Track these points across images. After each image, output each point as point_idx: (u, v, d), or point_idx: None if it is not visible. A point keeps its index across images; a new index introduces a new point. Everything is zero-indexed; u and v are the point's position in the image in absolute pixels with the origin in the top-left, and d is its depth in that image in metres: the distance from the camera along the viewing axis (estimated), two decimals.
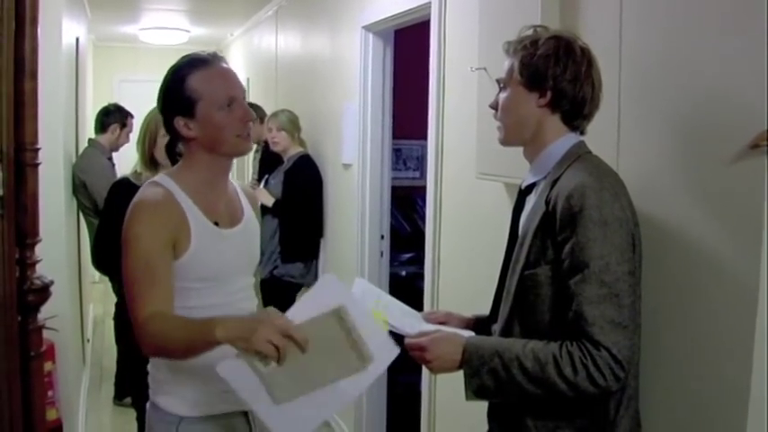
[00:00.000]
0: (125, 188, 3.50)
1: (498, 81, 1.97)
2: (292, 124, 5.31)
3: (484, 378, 1.78)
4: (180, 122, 2.07)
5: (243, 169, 8.33)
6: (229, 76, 2.14)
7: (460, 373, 1.84)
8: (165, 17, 8.15)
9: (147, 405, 2.20)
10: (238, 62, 8.95)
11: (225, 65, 2.16)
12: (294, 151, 5.32)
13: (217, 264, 2.12)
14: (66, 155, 4.56)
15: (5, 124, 1.63)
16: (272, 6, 6.80)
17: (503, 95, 1.94)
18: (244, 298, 2.23)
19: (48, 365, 4.03)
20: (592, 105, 1.87)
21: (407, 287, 5.12)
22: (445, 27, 3.41)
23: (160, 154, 3.41)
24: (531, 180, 1.94)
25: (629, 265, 1.70)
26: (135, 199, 2.04)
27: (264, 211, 5.28)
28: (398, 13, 3.93)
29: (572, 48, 1.85)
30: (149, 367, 2.19)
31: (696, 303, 1.88)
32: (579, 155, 1.85)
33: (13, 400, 1.66)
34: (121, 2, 7.29)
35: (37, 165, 1.75)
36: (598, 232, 1.67)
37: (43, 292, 1.76)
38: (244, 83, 8.30)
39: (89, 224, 5.23)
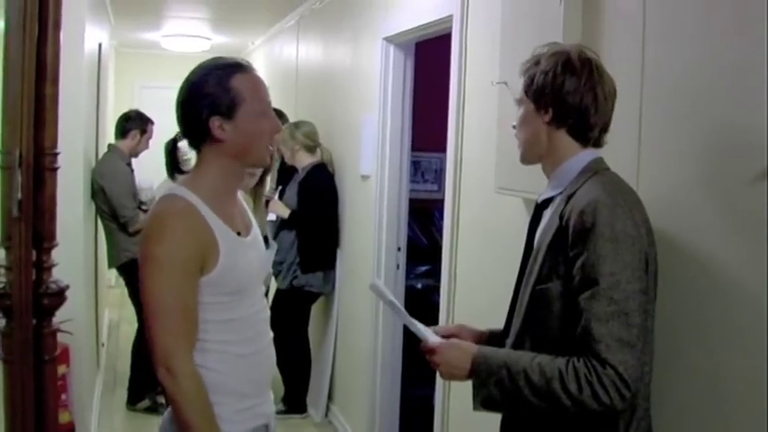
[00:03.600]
0: None
1: (516, 100, 1.99)
2: (293, 139, 5.30)
3: (491, 389, 1.78)
4: (216, 123, 2.00)
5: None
6: (265, 85, 2.15)
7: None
8: (188, 25, 8.20)
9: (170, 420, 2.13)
10: (259, 71, 8.97)
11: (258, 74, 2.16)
12: (308, 162, 5.33)
13: (245, 275, 2.10)
14: (85, 159, 4.58)
15: (25, 128, 1.63)
16: (293, 16, 6.82)
17: (518, 114, 1.97)
18: (262, 308, 2.23)
19: (62, 369, 4.05)
20: (597, 116, 1.85)
21: (423, 300, 5.11)
22: (466, 40, 3.41)
23: None
24: (547, 195, 1.94)
25: (641, 283, 1.68)
26: (155, 212, 1.99)
27: (281, 223, 5.30)
28: (420, 26, 3.93)
29: (570, 61, 1.85)
30: None
31: (716, 322, 1.86)
32: (596, 171, 1.84)
33: (26, 403, 1.66)
34: (144, 9, 7.33)
35: (56, 169, 1.76)
36: (609, 249, 1.66)
37: (59, 296, 1.76)
38: None
39: (107, 229, 5.26)
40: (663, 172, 2.07)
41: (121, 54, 9.84)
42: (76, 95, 4.19)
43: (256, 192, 3.46)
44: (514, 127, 2.00)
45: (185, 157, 2.20)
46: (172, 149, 2.23)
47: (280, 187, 5.63)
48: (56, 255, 1.92)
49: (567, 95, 1.83)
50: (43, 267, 1.73)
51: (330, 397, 5.44)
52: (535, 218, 1.99)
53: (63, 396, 4.08)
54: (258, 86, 2.09)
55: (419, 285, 5.31)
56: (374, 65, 4.60)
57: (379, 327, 4.60)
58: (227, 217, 2.09)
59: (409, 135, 4.56)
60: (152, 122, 5.55)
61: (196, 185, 2.04)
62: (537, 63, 1.90)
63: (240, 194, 3.28)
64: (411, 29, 4.05)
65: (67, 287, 1.81)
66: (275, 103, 6.71)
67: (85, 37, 4.30)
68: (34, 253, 1.72)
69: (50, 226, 1.74)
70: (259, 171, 3.31)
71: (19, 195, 1.59)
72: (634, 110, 2.16)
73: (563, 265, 1.75)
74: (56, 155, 1.75)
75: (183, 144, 2.16)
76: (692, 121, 1.97)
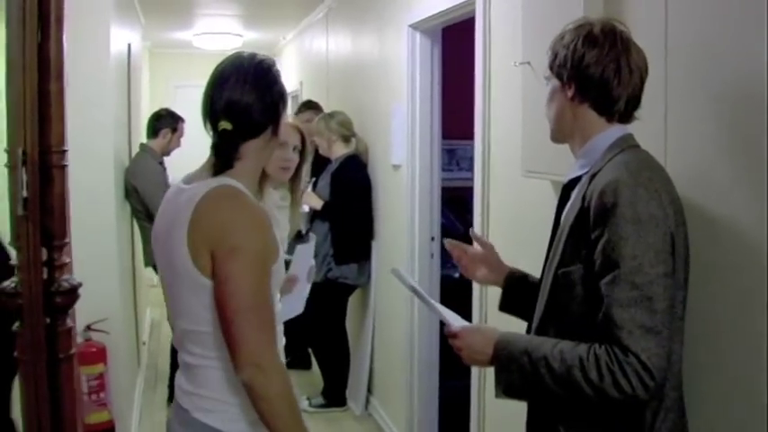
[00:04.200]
0: None
1: (545, 78, 1.93)
2: (328, 130, 5.27)
3: (513, 376, 1.73)
4: (284, 118, 2.04)
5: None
6: None
7: None
8: (219, 22, 8.21)
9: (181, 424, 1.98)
10: (291, 65, 8.95)
11: None
12: (341, 152, 5.29)
13: (283, 268, 2.10)
14: (116, 159, 4.60)
15: (29, 126, 1.61)
16: (322, 8, 6.79)
17: (547, 92, 1.91)
18: None
19: (99, 367, 4.09)
20: (620, 88, 1.76)
21: (460, 289, 5.02)
22: (490, 22, 3.34)
23: (272, 166, 3.13)
24: (574, 174, 1.88)
25: (665, 266, 1.59)
26: (224, 202, 1.86)
27: (315, 214, 5.28)
28: (444, 11, 3.86)
29: (591, 32, 1.78)
30: (224, 395, 1.92)
31: (752, 304, 1.78)
32: (622, 148, 1.77)
33: (40, 403, 1.65)
34: (175, 8, 7.36)
35: (64, 166, 1.73)
36: (630, 230, 1.58)
37: (71, 293, 1.73)
38: (297, 86, 8.36)
39: (142, 228, 5.28)
40: (691, 145, 1.99)
41: (156, 54, 9.90)
42: (104, 96, 4.21)
43: (293, 185, 3.42)
44: None
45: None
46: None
47: (313, 179, 5.61)
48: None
49: (587, 68, 1.76)
50: (54, 266, 1.71)
51: (370, 389, 5.41)
52: (563, 199, 1.92)
53: (102, 394, 4.11)
54: None
55: (456, 275, 5.23)
56: (401, 53, 4.54)
57: (414, 318, 4.55)
58: None
59: (439, 123, 4.50)
60: (183, 120, 5.55)
61: (240, 178, 1.96)
62: (562, 38, 1.85)
63: (278, 192, 3.27)
64: (435, 14, 3.98)
65: (80, 285, 1.78)
66: (309, 96, 6.67)
67: (111, 38, 4.30)
68: (45, 251, 1.69)
69: (60, 224, 1.71)
70: (294, 163, 3.28)
71: (24, 193, 1.57)
72: (659, 84, 2.08)
73: (585, 248, 1.68)
74: (63, 152, 1.73)
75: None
76: (719, 93, 1.89)
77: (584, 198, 1.71)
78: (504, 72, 3.22)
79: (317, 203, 5.22)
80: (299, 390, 5.86)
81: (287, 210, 3.41)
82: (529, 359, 1.69)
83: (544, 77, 1.93)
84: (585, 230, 1.68)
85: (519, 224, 3.13)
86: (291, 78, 8.77)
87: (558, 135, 1.92)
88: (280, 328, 2.14)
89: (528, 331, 1.91)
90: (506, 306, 2.23)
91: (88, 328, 4.01)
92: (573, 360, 1.62)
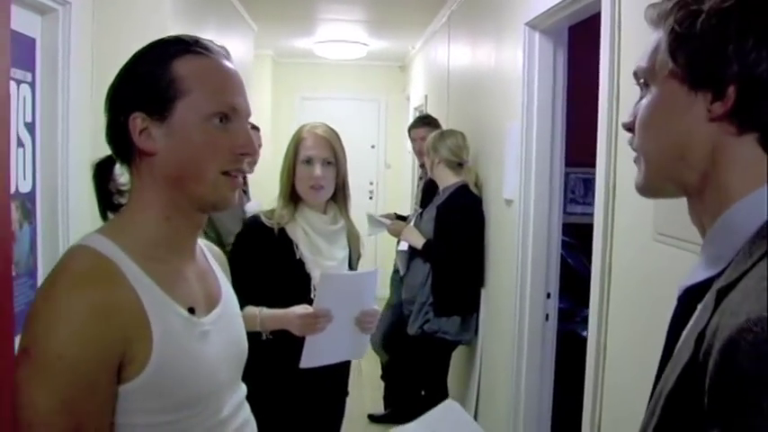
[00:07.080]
0: (253, 231, 2.64)
1: (636, 75, 1.03)
2: (434, 151, 4.36)
3: None
4: (137, 121, 1.28)
5: (401, 198, 7.51)
6: (236, 80, 1.36)
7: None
8: (341, 29, 7.52)
9: None
10: (419, 78, 8.10)
11: (232, 65, 1.38)
12: (450, 181, 4.36)
13: (200, 377, 1.31)
14: None
15: None
16: (444, 11, 5.93)
17: (643, 102, 1.00)
18: (242, 424, 1.44)
19: None
20: None
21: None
22: (620, 13, 2.38)
23: (301, 186, 2.62)
24: (694, 279, 0.96)
25: None
26: (49, 277, 1.23)
27: (414, 253, 4.40)
28: (566, 1, 2.91)
29: None
30: None
31: None
32: None
33: None
34: (291, 12, 6.72)
35: None
36: None
37: None
38: (422, 101, 7.47)
39: None
40: None
41: (280, 64, 9.32)
42: None
43: (339, 203, 2.70)
44: (629, 129, 1.05)
45: (123, 187, 1.40)
46: (100, 175, 1.39)
47: (420, 210, 4.71)
48: None
49: (761, 61, 0.86)
50: None
51: None
52: (680, 316, 0.99)
53: None
54: (218, 77, 1.33)
55: (584, 333, 4.20)
56: (516, 59, 3.61)
57: (521, 384, 3.59)
58: (173, 282, 1.32)
59: (562, 146, 3.52)
60: (257, 129, 4.85)
61: (122, 230, 1.31)
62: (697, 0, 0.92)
63: (327, 216, 2.65)
64: (556, 7, 3.03)
65: None
66: (433, 112, 5.75)
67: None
68: None
69: None
70: (325, 180, 2.63)
71: None
72: None
73: None
74: None
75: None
76: None
77: (699, 341, 0.81)
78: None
79: (418, 241, 4.33)
80: None
81: (341, 233, 2.72)
82: None
83: (638, 73, 1.02)
84: (698, 408, 0.78)
85: (651, 299, 2.15)
86: (418, 92, 7.94)
87: (663, 181, 1.01)
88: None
89: None
90: None
91: None
92: None
